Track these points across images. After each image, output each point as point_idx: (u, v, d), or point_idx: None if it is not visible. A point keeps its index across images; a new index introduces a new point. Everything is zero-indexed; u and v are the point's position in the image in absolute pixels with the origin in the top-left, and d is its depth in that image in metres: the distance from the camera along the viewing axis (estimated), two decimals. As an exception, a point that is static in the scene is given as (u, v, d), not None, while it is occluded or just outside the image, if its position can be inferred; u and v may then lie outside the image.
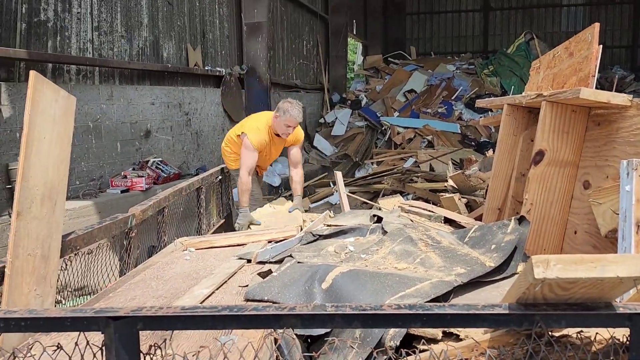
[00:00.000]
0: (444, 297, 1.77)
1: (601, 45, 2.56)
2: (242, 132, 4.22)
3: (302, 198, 4.53)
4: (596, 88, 2.45)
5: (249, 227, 3.92)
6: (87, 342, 1.13)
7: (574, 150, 2.46)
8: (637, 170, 1.87)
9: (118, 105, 5.58)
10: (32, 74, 1.54)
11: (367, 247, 2.26)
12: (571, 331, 1.22)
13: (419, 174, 7.63)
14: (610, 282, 0.96)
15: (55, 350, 1.12)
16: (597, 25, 2.60)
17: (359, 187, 7.60)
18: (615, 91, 2.35)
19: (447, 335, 1.58)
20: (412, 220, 3.01)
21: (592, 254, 0.95)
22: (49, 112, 1.61)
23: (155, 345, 1.16)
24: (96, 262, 2.32)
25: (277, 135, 4.21)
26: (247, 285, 1.88)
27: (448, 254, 2.15)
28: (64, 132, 1.70)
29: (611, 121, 2.27)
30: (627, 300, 1.61)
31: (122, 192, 5.12)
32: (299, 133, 4.42)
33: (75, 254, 1.99)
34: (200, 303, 1.70)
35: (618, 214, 1.94)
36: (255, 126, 4.23)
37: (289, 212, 4.12)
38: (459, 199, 4.05)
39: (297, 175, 4.47)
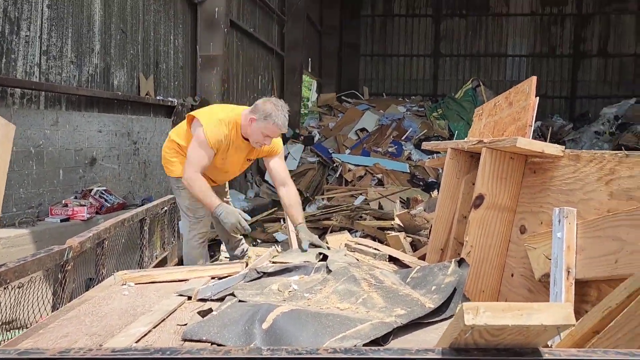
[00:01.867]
0: (383, 339, 1.78)
1: (538, 97, 2.71)
2: (195, 118, 3.22)
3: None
4: (537, 135, 2.59)
5: (239, 225, 3.10)
6: (9, 386, 1.08)
7: (511, 196, 2.57)
8: (567, 218, 1.97)
9: (63, 131, 5.43)
10: (-31, 100, 1.49)
11: (310, 286, 2.26)
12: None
13: (367, 212, 7.72)
14: (536, 329, 1.00)
15: (-28, 395, 1.06)
16: (534, 78, 2.75)
17: (309, 222, 7.60)
18: (553, 139, 2.48)
19: (385, 378, 1.59)
20: (357, 259, 3.03)
21: (520, 302, 0.99)
22: (-15, 140, 1.56)
23: (82, 388, 1.11)
24: (28, 295, 2.22)
25: (246, 139, 3.27)
26: (185, 324, 1.83)
27: (390, 294, 2.17)
28: (0, 161, 1.65)
29: (546, 170, 2.39)
30: (557, 345, 1.67)
31: (61, 220, 4.93)
32: (278, 140, 3.44)
33: (5, 288, 1.90)
34: (136, 342, 1.65)
35: (550, 259, 2.02)
36: (218, 118, 3.21)
37: (304, 251, 3.09)
38: (404, 238, 4.12)
39: (290, 197, 3.37)
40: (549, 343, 1.76)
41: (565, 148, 2.32)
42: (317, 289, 2.22)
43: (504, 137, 2.54)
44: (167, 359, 1.06)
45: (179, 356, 1.07)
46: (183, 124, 3.49)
